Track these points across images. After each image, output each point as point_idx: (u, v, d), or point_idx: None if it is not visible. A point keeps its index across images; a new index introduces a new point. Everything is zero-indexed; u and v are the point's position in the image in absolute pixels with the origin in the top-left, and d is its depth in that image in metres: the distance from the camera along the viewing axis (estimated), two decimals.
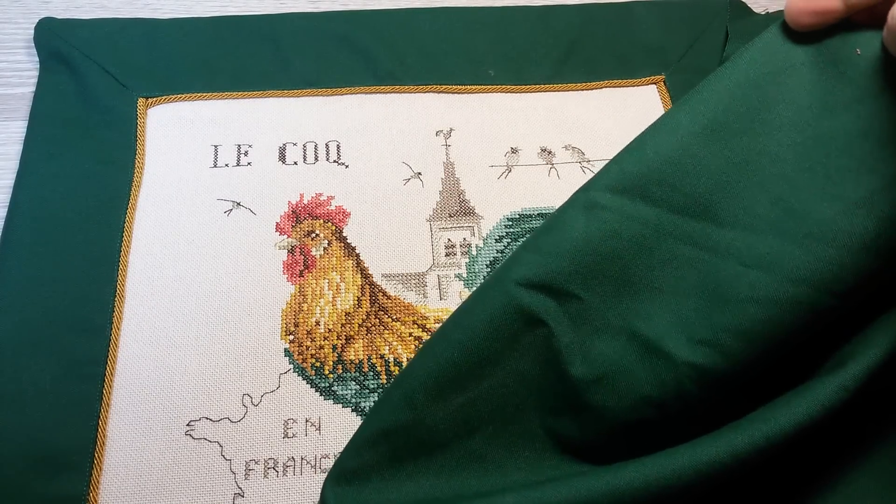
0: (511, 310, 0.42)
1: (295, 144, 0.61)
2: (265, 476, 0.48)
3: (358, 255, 0.56)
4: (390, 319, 0.54)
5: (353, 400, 0.51)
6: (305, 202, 0.58)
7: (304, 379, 0.51)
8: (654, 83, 0.67)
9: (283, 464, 0.48)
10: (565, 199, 0.61)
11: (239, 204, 0.58)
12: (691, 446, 0.39)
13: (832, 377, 0.39)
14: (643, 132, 0.46)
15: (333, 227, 0.57)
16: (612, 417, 0.42)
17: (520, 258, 0.43)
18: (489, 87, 0.65)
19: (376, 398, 0.51)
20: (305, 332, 0.53)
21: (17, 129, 0.60)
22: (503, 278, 0.42)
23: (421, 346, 0.46)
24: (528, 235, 0.58)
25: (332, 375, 0.52)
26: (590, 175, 0.61)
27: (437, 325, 0.54)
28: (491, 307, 0.42)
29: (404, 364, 0.52)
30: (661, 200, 0.42)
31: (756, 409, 0.40)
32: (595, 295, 0.42)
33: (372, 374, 0.52)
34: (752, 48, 0.45)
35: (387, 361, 0.52)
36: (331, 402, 0.51)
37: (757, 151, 0.43)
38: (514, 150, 0.62)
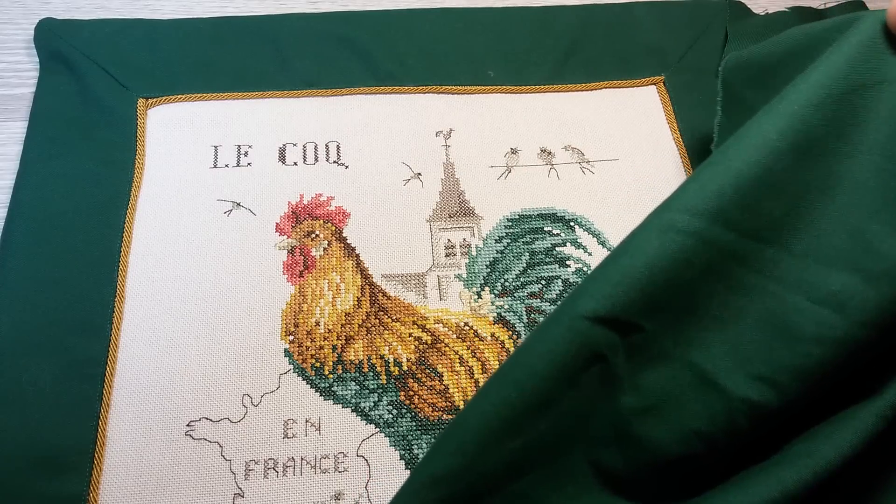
0: (575, 347, 0.38)
1: (295, 145, 0.61)
2: (265, 476, 0.48)
3: (358, 256, 0.56)
4: (390, 320, 0.54)
5: (353, 400, 0.51)
6: (305, 203, 0.58)
7: (304, 379, 0.51)
8: (654, 84, 0.67)
9: (283, 464, 0.48)
10: (565, 199, 0.61)
11: (239, 204, 0.58)
12: (742, 487, 0.37)
13: (871, 406, 0.38)
14: (726, 144, 0.41)
15: (333, 228, 0.57)
16: (659, 450, 0.39)
17: (588, 289, 0.39)
18: (489, 87, 0.65)
19: (376, 398, 0.51)
20: (305, 332, 0.53)
21: (17, 130, 0.60)
22: (569, 312, 0.39)
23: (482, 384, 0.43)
24: (527, 236, 0.58)
25: (332, 376, 0.52)
26: (590, 176, 0.62)
27: (437, 326, 0.54)
28: (554, 343, 0.38)
29: (404, 364, 0.52)
30: (738, 224, 0.39)
31: (794, 435, 0.39)
32: (657, 324, 0.39)
33: (372, 374, 0.52)
34: (843, 53, 0.41)
35: (387, 362, 0.52)
36: (331, 402, 0.51)
37: (839, 175, 0.39)
38: (513, 151, 0.62)
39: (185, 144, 0.60)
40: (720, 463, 0.40)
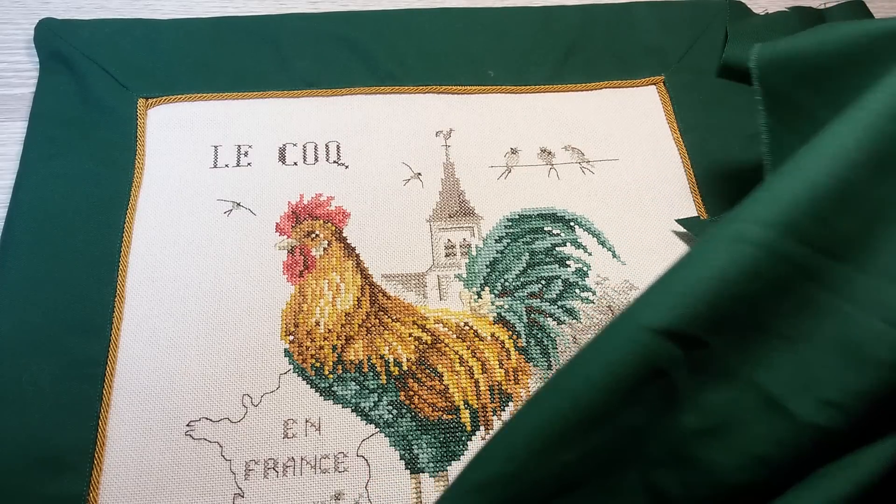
0: (636, 359, 0.36)
1: (295, 145, 0.61)
2: (265, 476, 0.48)
3: (358, 256, 0.56)
4: (390, 320, 0.54)
5: (353, 400, 0.51)
6: (305, 202, 0.58)
7: (303, 379, 0.51)
8: (654, 83, 0.67)
9: (283, 464, 0.48)
10: (565, 199, 0.62)
11: (239, 204, 0.58)
12: (787, 503, 0.37)
13: None
14: (800, 152, 0.39)
15: (333, 228, 0.57)
16: (719, 474, 0.37)
17: (650, 300, 0.37)
18: (489, 87, 0.65)
19: (376, 398, 0.51)
20: (305, 332, 0.53)
21: (17, 130, 0.60)
22: (631, 323, 0.37)
23: (535, 391, 0.41)
24: (527, 236, 0.58)
25: (332, 376, 0.52)
26: (590, 175, 0.62)
27: (437, 326, 0.54)
28: (613, 354, 0.37)
29: (404, 364, 0.52)
30: (811, 238, 0.37)
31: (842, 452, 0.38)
32: (722, 340, 0.37)
33: (372, 374, 0.52)
34: None
35: (387, 362, 0.52)
36: (331, 402, 0.51)
37: None
38: (513, 151, 0.62)
39: (185, 144, 0.60)
40: (776, 488, 0.38)
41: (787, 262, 0.37)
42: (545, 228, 0.59)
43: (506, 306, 0.55)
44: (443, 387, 0.52)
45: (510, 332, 0.54)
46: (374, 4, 0.71)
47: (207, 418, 0.49)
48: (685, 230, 0.59)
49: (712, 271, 0.36)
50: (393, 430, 0.50)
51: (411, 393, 0.51)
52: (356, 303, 0.54)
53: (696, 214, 0.60)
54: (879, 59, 0.42)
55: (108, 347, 0.51)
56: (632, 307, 0.38)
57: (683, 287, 0.37)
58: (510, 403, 0.52)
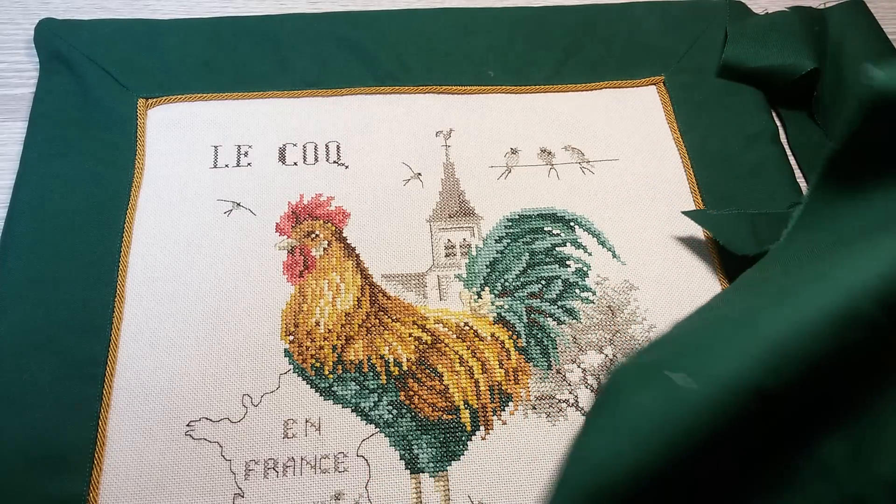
0: (732, 416, 0.35)
1: (295, 145, 0.61)
2: (265, 476, 0.48)
3: (358, 256, 0.56)
4: (390, 320, 0.54)
5: (353, 400, 0.51)
6: (305, 203, 0.58)
7: (303, 379, 0.51)
8: (654, 84, 0.67)
9: (283, 464, 0.48)
10: (565, 199, 0.61)
11: (239, 204, 0.58)
12: None
13: None
14: None
15: (333, 228, 0.57)
16: None
17: (753, 353, 0.36)
18: (489, 87, 0.65)
19: (376, 398, 0.51)
20: (305, 332, 0.53)
21: (17, 130, 0.60)
22: (729, 377, 0.36)
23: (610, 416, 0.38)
24: (527, 236, 0.58)
25: (331, 376, 0.52)
26: (590, 176, 0.61)
27: (437, 326, 0.54)
28: (713, 407, 0.35)
29: (404, 364, 0.52)
30: None
31: None
32: (802, 404, 0.37)
33: (372, 374, 0.52)
34: None
35: (387, 362, 0.52)
36: (331, 402, 0.51)
37: None
38: (513, 151, 0.62)
39: (185, 144, 0.60)
40: None
41: (882, 342, 0.36)
42: (545, 228, 0.59)
43: (506, 306, 0.55)
44: (443, 387, 0.52)
45: (510, 332, 0.54)
46: (374, 4, 0.71)
47: (207, 418, 0.49)
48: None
49: (823, 344, 0.36)
50: (393, 430, 0.50)
51: (411, 393, 0.51)
52: (356, 303, 0.54)
53: None
54: None
55: (108, 347, 0.51)
56: (724, 358, 0.37)
57: (793, 350, 0.36)
58: (510, 403, 0.52)
